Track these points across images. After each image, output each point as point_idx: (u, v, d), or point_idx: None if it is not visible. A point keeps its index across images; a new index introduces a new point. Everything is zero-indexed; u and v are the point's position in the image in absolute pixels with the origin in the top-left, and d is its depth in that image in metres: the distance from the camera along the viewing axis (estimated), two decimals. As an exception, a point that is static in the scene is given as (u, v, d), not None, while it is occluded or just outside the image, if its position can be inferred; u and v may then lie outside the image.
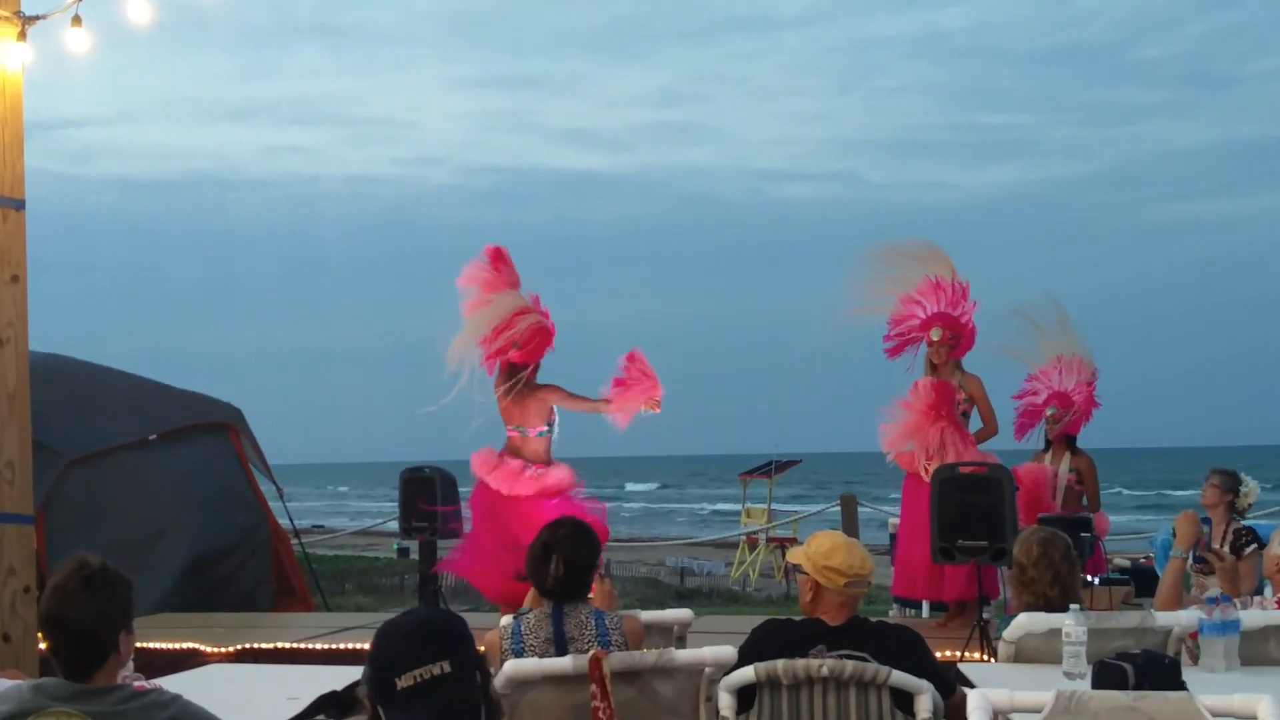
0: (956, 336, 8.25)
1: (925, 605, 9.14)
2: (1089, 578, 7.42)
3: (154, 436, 10.40)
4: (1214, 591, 5.40)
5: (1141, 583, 8.85)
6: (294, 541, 11.51)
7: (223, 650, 7.72)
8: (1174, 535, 6.06)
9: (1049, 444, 8.79)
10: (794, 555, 4.36)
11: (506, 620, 4.49)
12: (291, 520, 11.60)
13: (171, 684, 3.47)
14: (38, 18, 6.94)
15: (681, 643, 5.09)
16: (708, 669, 4.06)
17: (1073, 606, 4.27)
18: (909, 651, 4.08)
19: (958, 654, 6.66)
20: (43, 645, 3.66)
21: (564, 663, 3.99)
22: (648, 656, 4.05)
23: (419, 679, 2.13)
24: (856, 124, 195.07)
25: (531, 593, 4.57)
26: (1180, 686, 3.61)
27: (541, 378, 8.27)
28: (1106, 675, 3.74)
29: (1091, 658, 4.00)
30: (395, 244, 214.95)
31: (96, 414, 10.11)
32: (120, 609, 3.15)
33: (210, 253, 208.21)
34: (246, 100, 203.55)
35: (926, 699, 3.85)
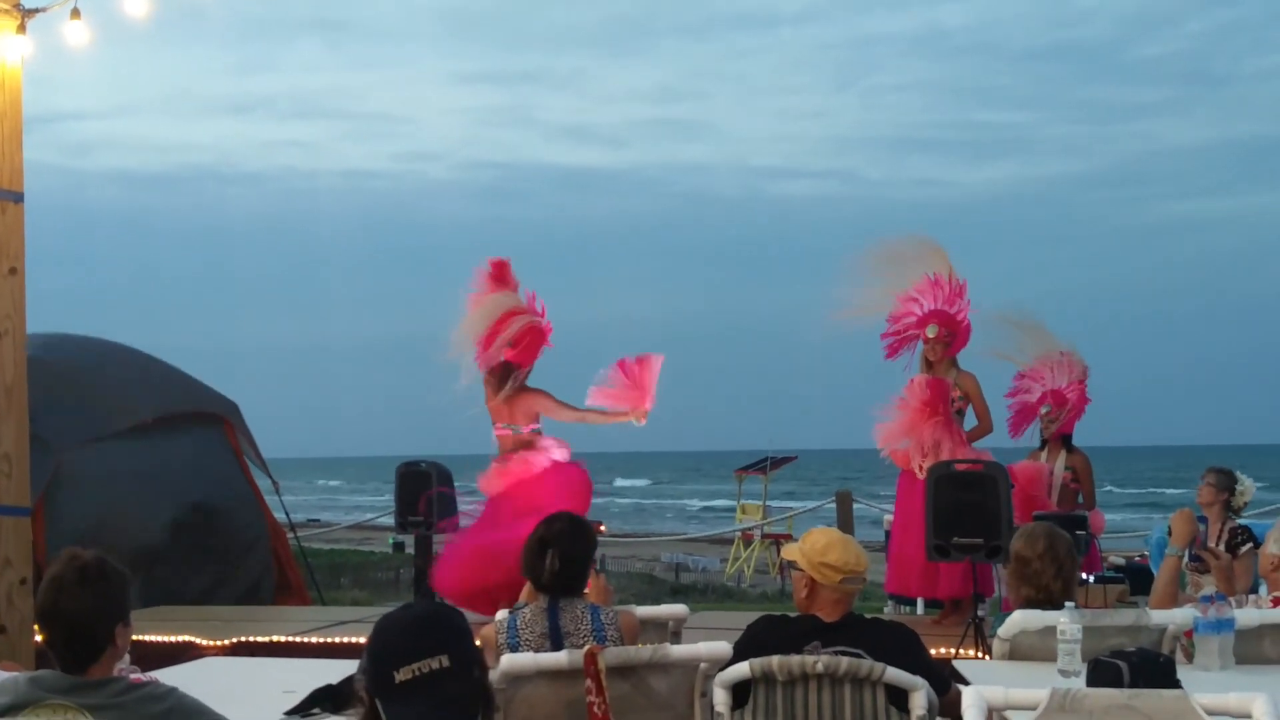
0: (952, 334, 8.27)
1: (920, 602, 9.16)
2: (1084, 576, 7.43)
3: (151, 419, 10.38)
4: (1209, 590, 5.40)
5: (1136, 581, 8.88)
6: (289, 535, 11.52)
7: (218, 643, 7.72)
8: (1170, 533, 6.07)
9: (1044, 442, 8.80)
10: (789, 552, 4.36)
11: (502, 615, 4.50)
12: (287, 514, 11.60)
13: (167, 677, 3.47)
14: (37, 11, 6.95)
15: (677, 638, 5.10)
16: (703, 664, 4.07)
17: (1068, 604, 4.28)
18: (904, 648, 4.09)
19: (953, 651, 6.67)
20: (39, 638, 3.67)
21: (559, 657, 4.00)
22: (643, 652, 4.05)
23: (417, 672, 2.14)
24: (854, 121, 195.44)
25: (527, 588, 4.58)
26: (1175, 685, 3.61)
27: (539, 376, 8.34)
28: (1101, 673, 3.74)
29: (1086, 655, 4.00)
30: (392, 239, 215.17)
31: (94, 397, 10.09)
32: (116, 602, 3.16)
33: (208, 246, 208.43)
34: (244, 94, 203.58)
35: (921, 696, 3.85)
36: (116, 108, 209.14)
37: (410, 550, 13.02)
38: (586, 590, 4.46)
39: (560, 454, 8.33)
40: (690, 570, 24.14)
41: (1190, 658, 4.55)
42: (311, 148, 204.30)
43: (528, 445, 8.34)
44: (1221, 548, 6.94)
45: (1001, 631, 4.64)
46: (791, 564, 4.33)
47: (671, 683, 4.08)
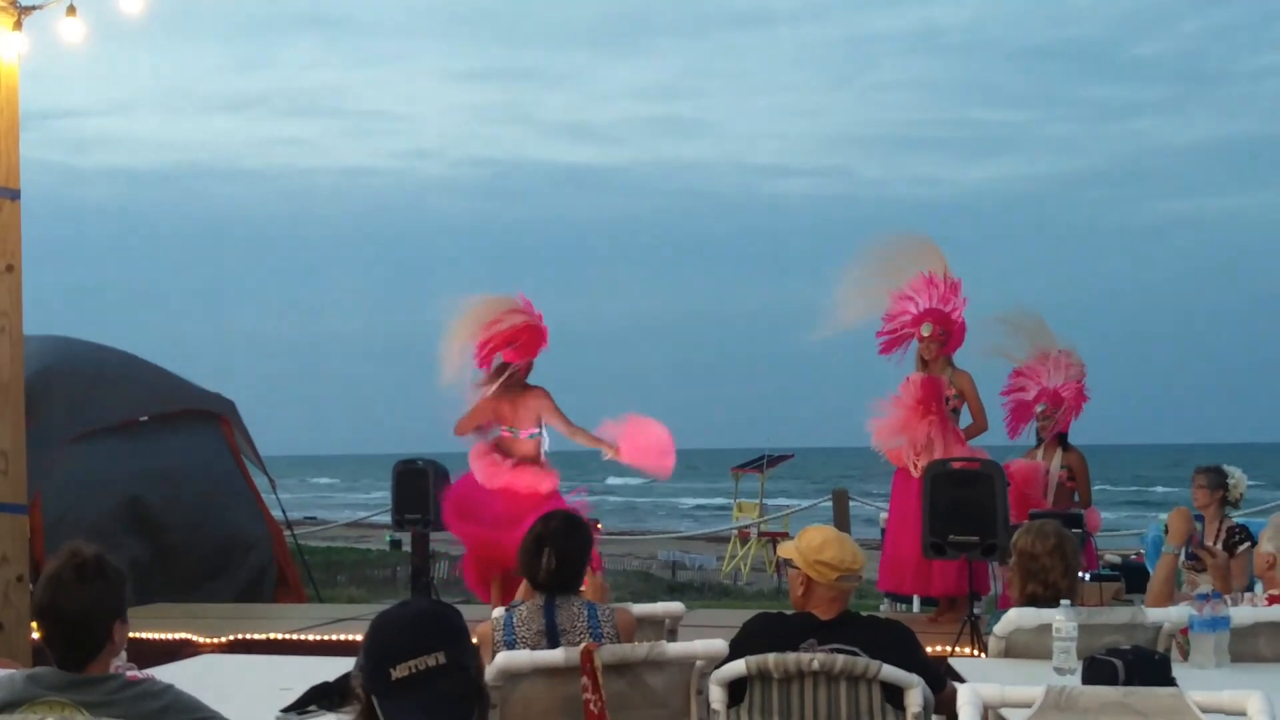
0: (947, 332, 8.26)
1: (915, 600, 9.16)
2: (1080, 573, 7.43)
3: (145, 418, 10.38)
4: (1205, 588, 5.41)
5: (1132, 579, 8.88)
6: (286, 533, 11.52)
7: (215, 641, 7.73)
8: (1165, 532, 6.07)
9: (1041, 440, 8.80)
10: (785, 550, 4.37)
11: (499, 612, 4.51)
12: (284, 512, 11.60)
13: (164, 674, 3.46)
14: (33, 8, 6.96)
15: (673, 636, 5.11)
16: (699, 662, 4.07)
17: (1063, 602, 4.30)
18: (900, 646, 4.09)
19: (948, 649, 6.68)
20: (36, 635, 3.67)
21: (556, 655, 4.00)
22: (639, 649, 4.06)
23: (414, 670, 2.14)
24: (851, 119, 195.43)
25: (524, 585, 4.59)
26: (1170, 682, 3.61)
27: (538, 376, 8.31)
28: (1096, 671, 3.75)
29: (1082, 653, 4.01)
30: (389, 236, 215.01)
31: (91, 396, 10.09)
32: (114, 599, 3.15)
33: (204, 244, 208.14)
34: (241, 92, 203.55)
35: (917, 693, 3.86)
36: (113, 105, 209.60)
37: (407, 548, 13.01)
38: (583, 588, 4.47)
39: (549, 484, 8.27)
40: (687, 568, 24.19)
41: (1186, 656, 4.56)
42: (308, 145, 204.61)
43: (530, 456, 8.25)
44: (1219, 546, 6.95)
45: (997, 629, 4.65)
46: (787, 562, 4.34)
47: (668, 680, 4.09)
